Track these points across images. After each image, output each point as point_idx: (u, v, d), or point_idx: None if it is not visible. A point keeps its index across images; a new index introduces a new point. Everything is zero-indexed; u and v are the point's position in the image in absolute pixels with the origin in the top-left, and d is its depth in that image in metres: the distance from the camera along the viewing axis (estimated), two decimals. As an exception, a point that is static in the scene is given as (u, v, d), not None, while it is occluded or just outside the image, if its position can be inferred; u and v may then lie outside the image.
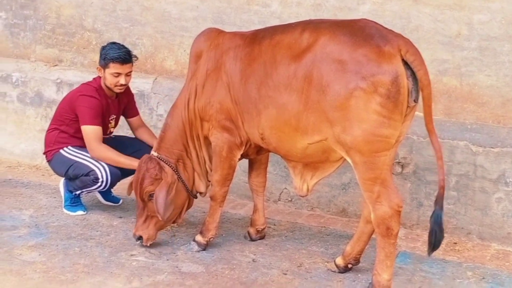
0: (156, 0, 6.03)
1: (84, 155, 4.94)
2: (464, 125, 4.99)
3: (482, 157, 4.87)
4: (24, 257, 4.27)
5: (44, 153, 5.20)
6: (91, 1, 6.30)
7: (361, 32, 3.74)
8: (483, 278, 4.33)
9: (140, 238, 4.51)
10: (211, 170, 4.57)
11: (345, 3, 5.37)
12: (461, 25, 5.05)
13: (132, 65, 4.95)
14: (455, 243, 4.90)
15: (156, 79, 5.99)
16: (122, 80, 4.89)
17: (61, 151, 5.02)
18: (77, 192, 5.04)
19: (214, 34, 4.45)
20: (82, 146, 5.00)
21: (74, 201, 5.09)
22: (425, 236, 4.86)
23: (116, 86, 4.91)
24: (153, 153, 4.57)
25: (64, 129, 5.05)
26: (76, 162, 4.93)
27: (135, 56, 4.99)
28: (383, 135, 3.67)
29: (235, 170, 4.49)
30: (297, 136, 3.98)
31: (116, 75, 4.87)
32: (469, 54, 5.05)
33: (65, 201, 5.11)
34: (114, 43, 5.00)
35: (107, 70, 4.88)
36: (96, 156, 4.84)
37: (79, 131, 4.97)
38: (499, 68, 4.98)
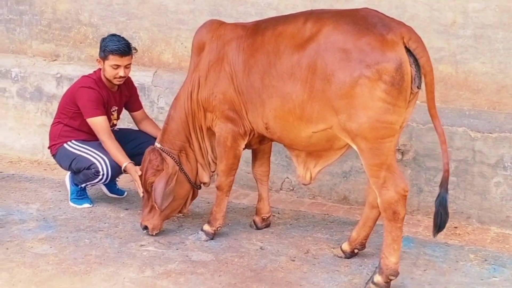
0: (153, -7, 6.09)
1: (86, 148, 4.99)
2: (462, 112, 5.09)
3: (480, 143, 4.97)
4: (35, 249, 4.33)
5: (48, 147, 5.25)
6: (87, -5, 6.34)
7: (363, 21, 3.82)
8: (485, 260, 4.44)
9: (146, 227, 4.59)
10: (213, 161, 4.65)
11: (342, -7, 5.44)
12: (456, 14, 5.14)
13: (132, 57, 5.00)
14: (456, 227, 5.00)
15: (156, 72, 6.04)
16: (121, 72, 4.94)
17: (65, 145, 5.07)
18: (82, 185, 5.10)
19: (215, 26, 4.51)
20: (86, 139, 5.06)
21: (80, 194, 5.14)
22: (426, 221, 5.04)
23: (115, 78, 4.96)
24: (156, 144, 4.65)
25: (68, 122, 5.10)
26: (79, 155, 4.98)
27: (135, 48, 5.04)
28: (388, 121, 3.75)
29: (240, 159, 4.56)
30: (302, 125, 4.05)
31: (115, 67, 4.92)
32: (464, 42, 5.14)
33: (71, 194, 5.16)
34: (113, 35, 5.05)
35: (106, 62, 4.93)
36: (105, 146, 4.90)
37: (83, 124, 5.03)
38: (494, 56, 5.08)
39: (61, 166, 5.21)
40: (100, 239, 4.53)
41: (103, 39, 5.00)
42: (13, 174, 5.88)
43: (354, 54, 3.74)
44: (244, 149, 4.56)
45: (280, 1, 5.65)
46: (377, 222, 4.31)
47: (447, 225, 4.80)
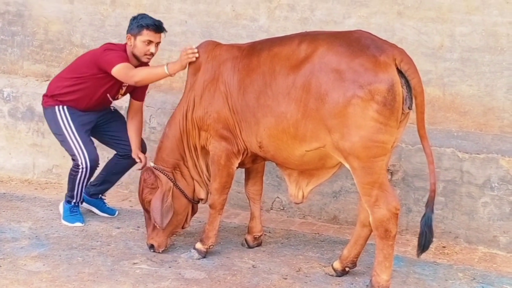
0: (145, 15, 6.14)
1: (73, 131, 5.00)
2: (450, 133, 5.19)
3: (468, 163, 5.06)
4: (29, 267, 4.33)
5: (43, 96, 5.21)
6: (79, 16, 6.39)
7: (357, 43, 3.92)
8: (474, 279, 4.50)
9: (152, 246, 4.65)
10: (208, 179, 4.69)
11: (332, 17, 5.55)
12: (444, 37, 5.26)
13: (161, 36, 4.98)
14: (444, 246, 5.07)
15: (148, 92, 6.06)
16: (152, 49, 4.92)
17: (56, 109, 5.05)
18: (72, 200, 5.14)
19: (211, 47, 4.59)
20: (78, 109, 5.05)
21: (72, 211, 5.15)
22: (415, 241, 4.96)
23: (145, 54, 4.93)
24: (150, 163, 4.70)
25: (73, 82, 5.02)
26: (65, 139, 5.02)
27: (165, 29, 5.00)
28: (380, 140, 3.83)
29: (233, 178, 4.61)
30: (296, 143, 4.12)
31: (147, 42, 4.89)
32: (451, 65, 5.26)
33: (64, 212, 5.18)
34: (144, 14, 5.03)
35: (138, 38, 4.88)
36: (138, 80, 4.77)
37: (88, 93, 5.00)
38: (480, 78, 5.20)
39: (48, 126, 5.21)
40: (92, 257, 4.54)
41: (134, 17, 4.95)
42: (4, 193, 5.88)
43: (347, 74, 3.83)
44: (237, 168, 4.61)
45: (271, 24, 5.75)
46: (368, 241, 4.37)
47: (436, 244, 4.95)
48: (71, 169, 5.08)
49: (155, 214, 4.45)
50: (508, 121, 5.14)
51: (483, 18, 5.13)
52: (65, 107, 5.07)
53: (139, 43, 4.90)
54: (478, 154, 5.03)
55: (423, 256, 4.68)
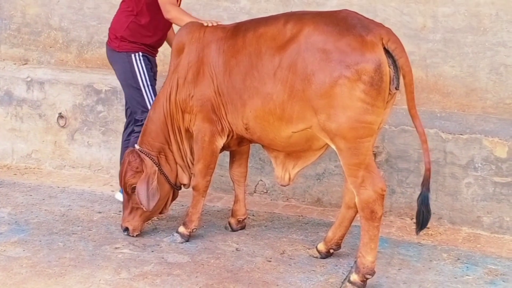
0: (124, -3, 6.04)
1: (147, 84, 4.95)
2: (433, 114, 5.17)
3: (451, 144, 5.04)
4: (8, 253, 4.26)
5: (112, 39, 5.06)
6: (57, -1, 6.29)
7: (343, 23, 3.87)
8: (458, 259, 4.51)
9: (126, 229, 4.58)
10: (192, 163, 4.64)
11: (314, -2, 5.50)
12: (426, 18, 5.23)
13: None
14: (428, 227, 5.00)
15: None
16: None
17: (133, 57, 4.94)
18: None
19: (195, 28, 4.51)
20: (152, 45, 5.02)
21: None
22: (399, 222, 5.11)
23: None
24: (136, 146, 4.63)
25: (135, 19, 4.92)
26: (141, 92, 4.94)
27: None
28: (367, 121, 3.80)
29: (217, 159, 4.55)
30: (282, 125, 4.08)
31: None
32: (434, 46, 5.24)
33: None
34: None
35: None
36: (172, 16, 4.71)
37: (150, 23, 4.91)
38: (463, 59, 5.18)
39: (111, 64, 5.08)
40: (74, 242, 4.48)
41: None
42: (-18, 179, 5.80)
43: (334, 54, 3.79)
44: (221, 151, 4.56)
45: (252, 6, 5.68)
46: (352, 223, 4.34)
47: (420, 225, 4.93)
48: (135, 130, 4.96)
49: (141, 197, 4.39)
50: (491, 101, 5.14)
51: (466, -2, 5.12)
52: (140, 53, 4.97)
53: None
54: (461, 134, 5.02)
55: (407, 237, 4.74)
